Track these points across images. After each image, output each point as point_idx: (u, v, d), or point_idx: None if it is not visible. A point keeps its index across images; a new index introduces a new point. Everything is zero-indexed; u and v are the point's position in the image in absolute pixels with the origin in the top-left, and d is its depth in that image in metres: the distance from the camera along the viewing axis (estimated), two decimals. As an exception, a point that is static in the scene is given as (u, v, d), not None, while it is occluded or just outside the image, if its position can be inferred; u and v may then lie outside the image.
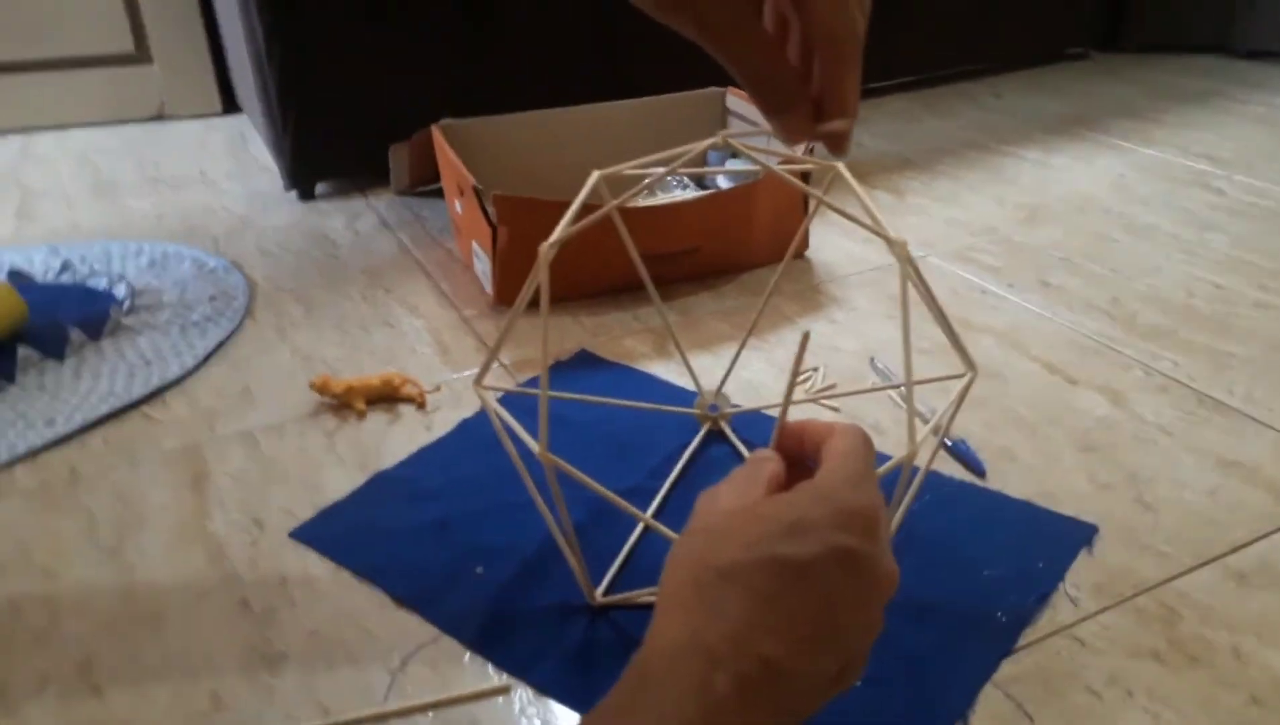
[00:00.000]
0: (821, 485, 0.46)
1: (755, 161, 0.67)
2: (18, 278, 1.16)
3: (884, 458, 0.80)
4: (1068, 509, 0.76)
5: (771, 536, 0.43)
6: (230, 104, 1.88)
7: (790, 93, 0.45)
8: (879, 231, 0.62)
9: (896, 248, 0.61)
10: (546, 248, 0.62)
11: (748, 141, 0.70)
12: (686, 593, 0.44)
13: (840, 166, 0.70)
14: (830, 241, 1.23)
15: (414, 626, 0.65)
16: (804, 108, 0.45)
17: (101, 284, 1.13)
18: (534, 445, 0.61)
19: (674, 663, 0.41)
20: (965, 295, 1.09)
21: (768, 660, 0.41)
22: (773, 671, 0.41)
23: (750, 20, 0.44)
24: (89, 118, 1.83)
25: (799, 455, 0.52)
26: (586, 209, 0.65)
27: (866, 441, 0.50)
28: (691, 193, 1.24)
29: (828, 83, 0.44)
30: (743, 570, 0.43)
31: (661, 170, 0.69)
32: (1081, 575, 0.69)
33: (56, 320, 1.02)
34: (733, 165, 1.28)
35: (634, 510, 0.60)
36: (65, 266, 1.18)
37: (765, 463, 0.50)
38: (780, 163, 0.72)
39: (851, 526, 0.44)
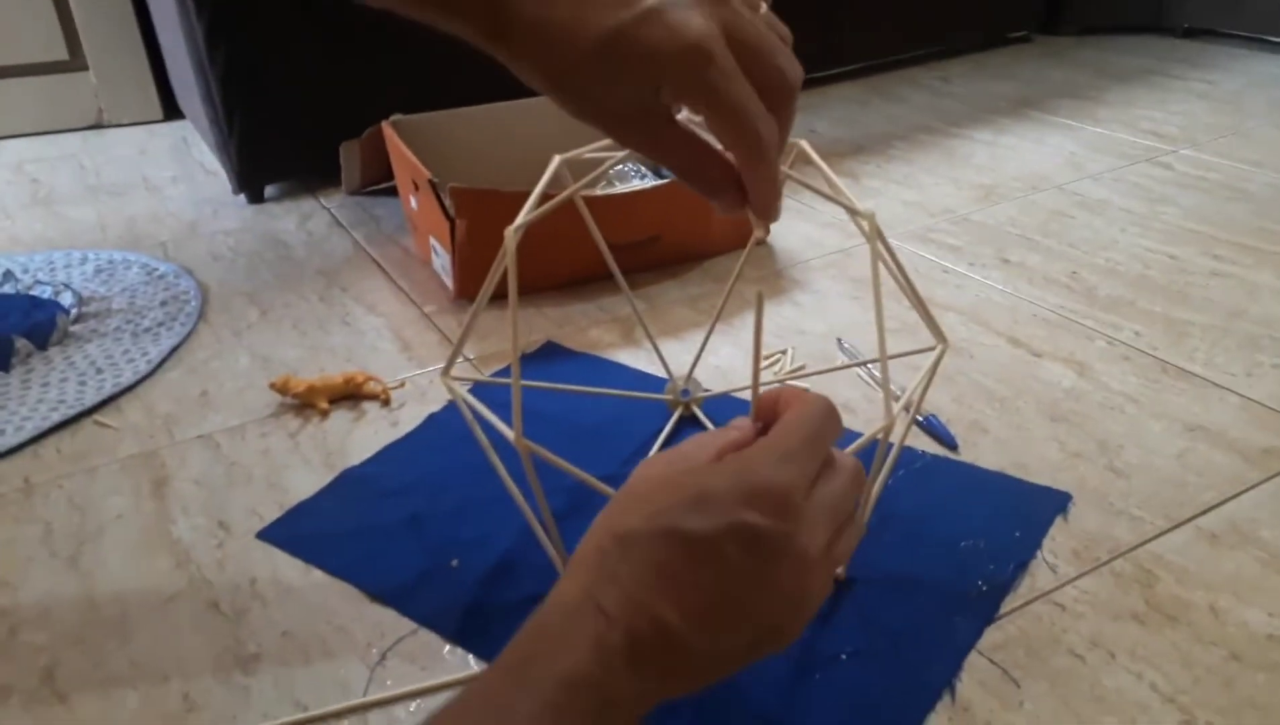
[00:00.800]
0: (745, 458, 0.44)
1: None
2: (-42, 289, 1.12)
3: (855, 436, 0.80)
4: (1041, 478, 0.76)
5: (674, 508, 0.42)
6: (171, 109, 1.84)
7: (715, 181, 0.47)
8: (846, 204, 0.62)
9: (865, 219, 0.61)
10: (512, 231, 0.61)
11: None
12: (590, 556, 0.43)
13: (803, 144, 0.70)
14: (791, 227, 1.23)
15: (391, 622, 0.64)
16: (732, 193, 0.47)
17: (46, 293, 1.10)
18: (508, 432, 0.60)
19: (570, 618, 0.41)
20: (927, 274, 1.10)
21: (662, 624, 0.41)
22: (668, 636, 0.41)
23: (664, 125, 0.45)
24: (23, 128, 1.78)
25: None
26: (548, 195, 0.64)
27: (824, 414, 0.47)
28: (651, 182, 1.23)
29: (746, 183, 0.46)
30: (640, 539, 0.42)
31: (622, 153, 0.68)
32: (1058, 542, 0.69)
33: (0, 330, 0.98)
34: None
35: (610, 491, 0.59)
36: (6, 276, 1.14)
37: (728, 431, 0.49)
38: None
39: (759, 504, 0.42)
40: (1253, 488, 0.74)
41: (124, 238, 1.29)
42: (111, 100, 1.81)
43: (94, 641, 0.63)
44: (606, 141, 0.69)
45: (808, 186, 0.61)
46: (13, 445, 0.84)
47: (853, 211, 0.61)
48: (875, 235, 0.61)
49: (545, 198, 0.63)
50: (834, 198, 0.62)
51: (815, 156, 0.67)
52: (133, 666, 0.61)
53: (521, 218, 0.62)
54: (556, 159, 0.69)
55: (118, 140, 1.74)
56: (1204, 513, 0.72)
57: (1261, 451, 0.78)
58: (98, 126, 1.82)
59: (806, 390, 0.50)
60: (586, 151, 0.69)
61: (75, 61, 1.77)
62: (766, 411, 0.51)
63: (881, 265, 0.63)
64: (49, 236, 1.31)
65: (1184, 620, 0.63)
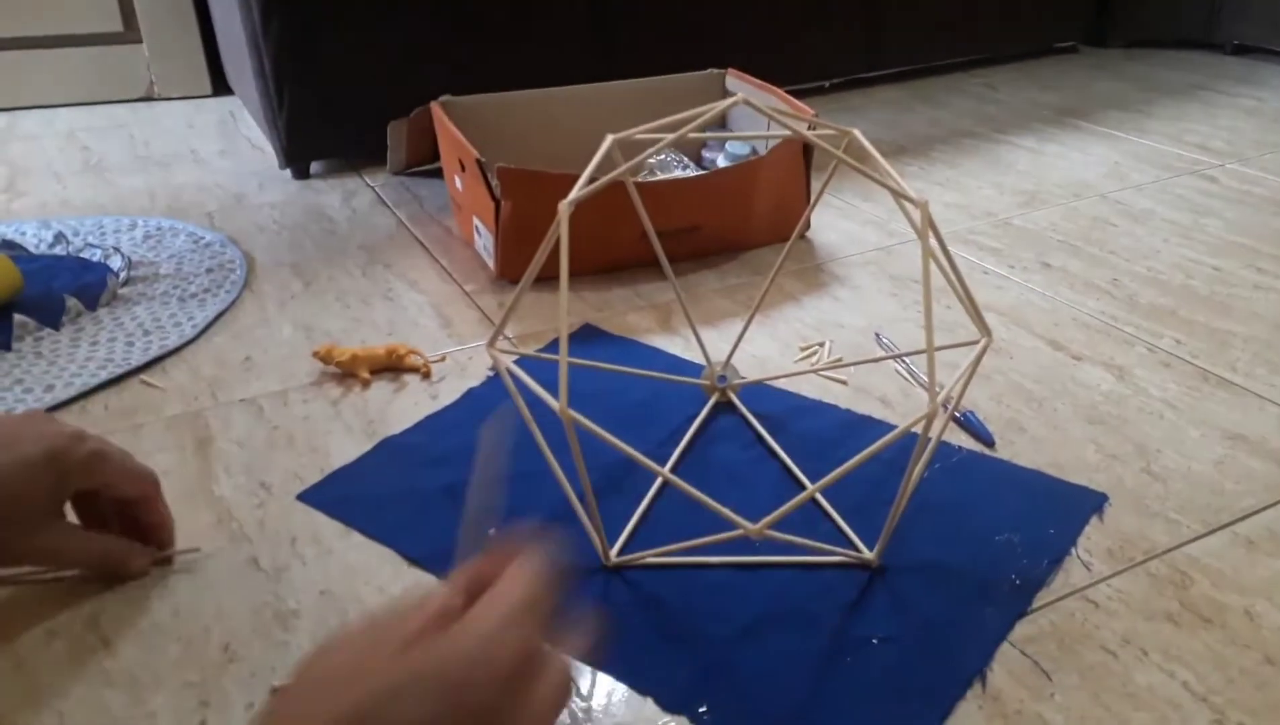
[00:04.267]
0: (439, 650, 0.39)
1: (779, 123, 0.67)
2: (10, 249, 1.14)
3: (889, 427, 0.80)
4: (1077, 479, 0.76)
5: (363, 703, 0.37)
6: (219, 85, 1.87)
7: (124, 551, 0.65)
8: (900, 191, 0.62)
9: (918, 207, 0.61)
10: (566, 205, 0.62)
11: (763, 109, 0.70)
12: None
13: (856, 133, 0.70)
14: (830, 223, 1.23)
15: (428, 585, 0.65)
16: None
17: (96, 256, 1.12)
18: (553, 402, 0.61)
19: None
20: (968, 275, 1.10)
21: None
22: None
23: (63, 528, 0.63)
24: (76, 97, 1.81)
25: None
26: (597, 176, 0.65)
27: (528, 602, 0.42)
28: (693, 172, 1.24)
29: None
30: None
31: (673, 135, 0.69)
32: (1093, 541, 0.69)
33: (52, 289, 1.00)
34: (732, 146, 1.28)
35: (653, 465, 0.60)
36: (58, 239, 1.16)
37: (430, 600, 0.42)
38: (793, 130, 0.72)
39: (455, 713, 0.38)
40: (1292, 497, 0.74)
41: (172, 207, 1.31)
42: (162, 73, 1.83)
43: (137, 591, 0.65)
44: (660, 122, 0.70)
45: (861, 171, 0.61)
46: (62, 400, 0.85)
47: (905, 198, 0.61)
48: (927, 223, 0.61)
49: (595, 178, 0.64)
50: (886, 183, 0.62)
51: (868, 145, 0.67)
52: (175, 617, 0.63)
53: (575, 193, 0.63)
54: (609, 138, 0.69)
55: (166, 113, 1.76)
56: (1241, 519, 0.71)
57: (1301, 462, 0.78)
58: (148, 99, 1.84)
59: (523, 557, 0.44)
60: (638, 133, 0.70)
61: (129, 34, 1.80)
62: (478, 579, 0.44)
63: (933, 255, 0.63)
64: (99, 202, 1.33)
65: (1218, 623, 0.62)
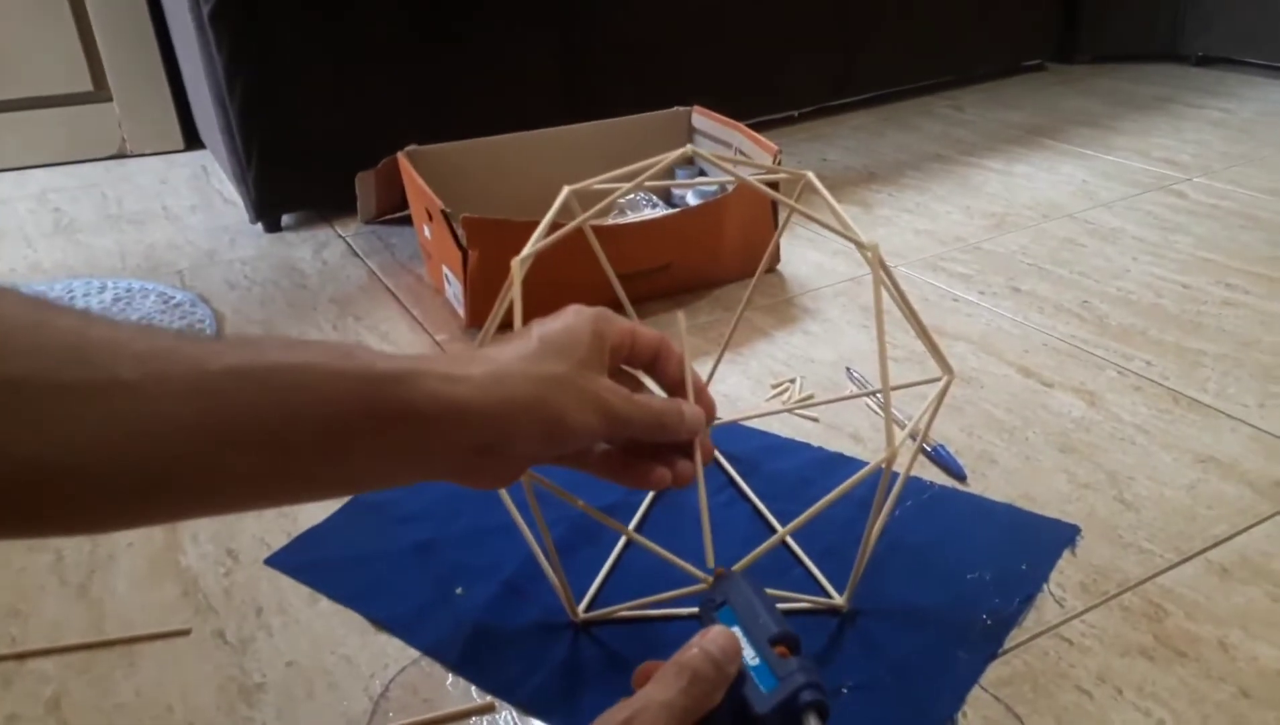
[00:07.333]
0: None
1: (726, 172, 0.67)
2: (-22, 317, 1.13)
3: (861, 464, 0.80)
4: (1049, 510, 0.75)
5: None
6: (192, 139, 1.87)
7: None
8: (851, 236, 0.62)
9: (869, 251, 0.61)
10: (519, 262, 0.62)
11: (715, 155, 0.70)
12: None
13: (810, 175, 0.70)
14: (800, 255, 1.23)
15: (395, 650, 0.64)
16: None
17: (65, 321, 1.11)
18: (511, 461, 0.60)
19: None
20: (938, 303, 1.10)
21: None
22: None
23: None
24: (48, 158, 1.80)
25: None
26: (557, 225, 0.64)
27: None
28: (661, 211, 1.24)
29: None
30: None
31: (630, 184, 0.69)
32: (1066, 575, 0.69)
33: (19, 358, 1.00)
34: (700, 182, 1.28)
35: (615, 523, 0.59)
36: (27, 304, 1.16)
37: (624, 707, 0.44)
38: (751, 173, 0.72)
39: None
40: (1264, 520, 0.73)
41: (143, 266, 1.31)
42: (134, 130, 1.83)
43: (100, 671, 0.64)
44: (616, 172, 0.70)
45: (813, 219, 0.61)
46: (27, 472, 0.84)
47: (857, 243, 0.61)
48: (878, 266, 0.61)
49: (554, 228, 0.64)
50: (838, 231, 0.62)
51: (821, 188, 0.67)
52: (138, 696, 0.62)
53: (529, 247, 0.63)
54: (565, 190, 0.69)
55: (139, 170, 1.76)
56: (1214, 546, 0.71)
57: (1273, 484, 0.77)
58: (120, 156, 1.84)
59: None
60: (596, 183, 0.70)
61: (99, 92, 1.80)
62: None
63: (889, 296, 0.63)
64: (70, 265, 1.33)
65: (1193, 655, 0.62)
